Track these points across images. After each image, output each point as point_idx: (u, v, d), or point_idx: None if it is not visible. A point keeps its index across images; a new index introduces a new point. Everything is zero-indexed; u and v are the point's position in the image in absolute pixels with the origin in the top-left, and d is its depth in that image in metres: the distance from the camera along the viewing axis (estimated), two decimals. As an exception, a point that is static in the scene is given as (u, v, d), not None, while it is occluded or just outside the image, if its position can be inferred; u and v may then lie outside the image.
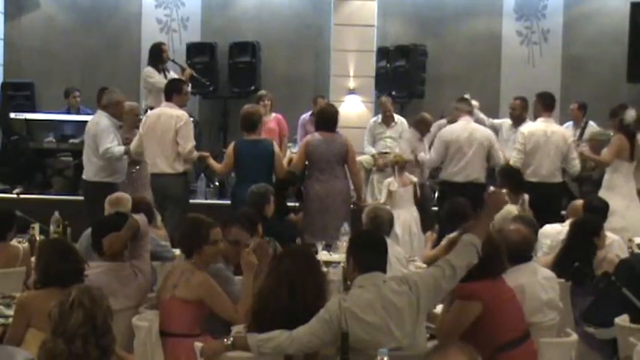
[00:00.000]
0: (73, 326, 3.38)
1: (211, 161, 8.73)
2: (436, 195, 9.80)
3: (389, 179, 9.16)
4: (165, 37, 13.33)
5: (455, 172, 8.70)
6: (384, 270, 4.29)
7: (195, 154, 8.44)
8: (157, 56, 10.47)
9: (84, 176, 8.65)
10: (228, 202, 9.08)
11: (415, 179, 9.15)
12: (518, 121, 9.65)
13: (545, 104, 8.85)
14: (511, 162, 8.65)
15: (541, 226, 6.45)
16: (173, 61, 10.64)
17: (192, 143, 8.26)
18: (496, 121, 10.22)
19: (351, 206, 8.27)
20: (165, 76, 10.39)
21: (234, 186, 8.40)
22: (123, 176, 8.74)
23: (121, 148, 8.48)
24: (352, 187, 8.36)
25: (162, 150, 8.21)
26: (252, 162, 8.00)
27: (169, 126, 8.19)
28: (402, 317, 4.10)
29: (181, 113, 8.32)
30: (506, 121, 10.06)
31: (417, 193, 9.08)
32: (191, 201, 9.90)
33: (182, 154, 8.22)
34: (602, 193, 8.34)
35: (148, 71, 10.34)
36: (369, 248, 4.32)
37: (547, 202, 8.32)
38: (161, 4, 13.43)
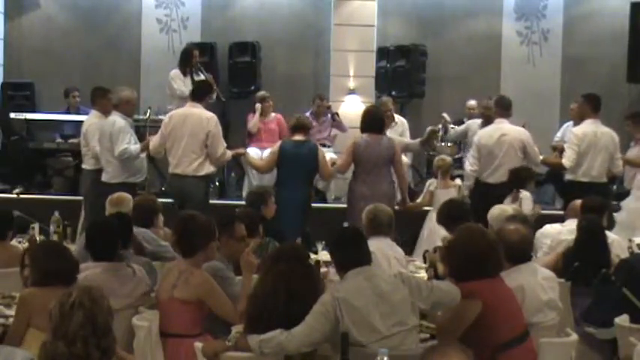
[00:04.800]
0: (73, 328, 3.37)
1: (251, 157, 8.71)
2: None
3: (431, 180, 9.23)
4: (165, 37, 13.33)
5: (488, 174, 8.71)
6: (369, 262, 4.40)
7: (229, 154, 8.42)
8: (186, 60, 10.42)
9: (104, 179, 8.49)
10: (228, 202, 9.06)
11: (459, 183, 9.10)
12: (490, 120, 9.64)
13: (593, 106, 8.90)
14: (564, 161, 8.72)
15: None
16: (199, 68, 10.61)
17: (223, 147, 8.20)
18: (460, 127, 10.34)
19: (396, 207, 8.28)
20: (193, 79, 10.35)
21: (275, 186, 8.27)
22: (144, 175, 8.72)
23: (137, 147, 8.44)
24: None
25: (189, 151, 8.13)
26: (295, 162, 8.03)
27: (199, 128, 8.10)
28: (392, 309, 4.15)
29: (211, 115, 8.24)
30: (475, 121, 10.13)
31: (462, 198, 9.01)
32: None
33: (213, 158, 8.17)
34: (635, 193, 8.47)
35: (173, 74, 10.29)
36: (349, 245, 4.42)
37: None
38: (161, 4, 13.42)
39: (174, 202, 8.32)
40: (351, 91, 12.42)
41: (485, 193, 8.36)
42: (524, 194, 8.01)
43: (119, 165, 8.41)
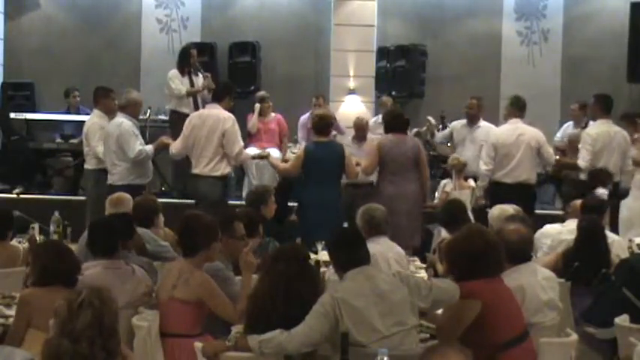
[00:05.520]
0: (80, 327, 3.36)
1: (274, 160, 8.70)
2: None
3: (445, 180, 9.16)
4: (166, 37, 13.34)
5: (504, 174, 8.67)
6: (368, 262, 4.39)
7: (247, 154, 8.40)
8: (184, 59, 10.44)
9: (109, 182, 8.44)
10: (228, 202, 9.02)
11: (473, 184, 9.04)
12: (474, 120, 9.80)
13: (604, 107, 8.96)
14: (579, 162, 8.73)
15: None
16: (198, 68, 10.62)
17: (239, 145, 8.19)
18: (446, 130, 10.29)
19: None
20: (191, 80, 10.37)
21: (301, 188, 8.22)
22: (150, 177, 8.71)
23: (151, 147, 8.47)
24: None
25: (206, 152, 8.13)
26: (322, 164, 7.93)
27: (216, 127, 8.10)
28: (392, 309, 4.15)
29: (228, 115, 8.24)
30: (459, 122, 10.12)
31: (475, 199, 8.95)
32: (190, 201, 9.88)
33: (230, 157, 8.17)
34: (634, 193, 8.53)
35: (172, 74, 10.31)
36: (348, 245, 4.42)
37: (611, 200, 8.51)
38: (161, 4, 13.43)
39: (196, 203, 8.31)
40: (351, 91, 12.43)
41: (502, 194, 8.28)
42: (600, 191, 8.05)
43: (128, 167, 8.37)
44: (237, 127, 8.25)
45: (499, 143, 8.74)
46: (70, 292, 3.55)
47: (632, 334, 4.71)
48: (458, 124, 10.12)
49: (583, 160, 8.77)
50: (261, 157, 8.87)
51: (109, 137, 8.47)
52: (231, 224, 5.36)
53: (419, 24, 13.24)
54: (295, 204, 8.66)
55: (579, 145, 9.03)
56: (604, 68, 12.76)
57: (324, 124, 8.16)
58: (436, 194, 9.32)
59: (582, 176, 8.91)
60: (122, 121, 8.41)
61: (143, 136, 9.00)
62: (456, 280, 4.44)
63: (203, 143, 8.14)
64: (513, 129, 8.79)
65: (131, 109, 8.51)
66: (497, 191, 8.59)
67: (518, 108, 8.93)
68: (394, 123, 8.32)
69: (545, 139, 8.91)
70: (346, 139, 10.56)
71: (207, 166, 8.15)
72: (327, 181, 7.81)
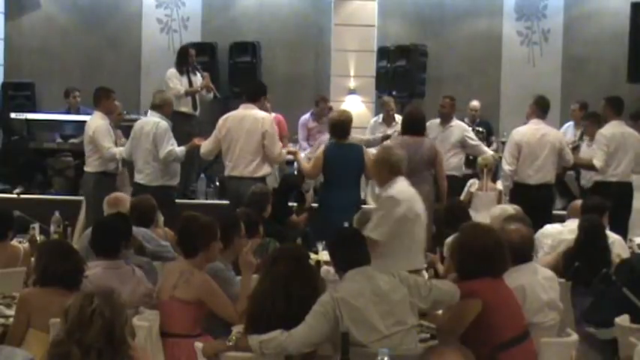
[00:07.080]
0: (90, 336, 3.31)
1: (300, 159, 8.65)
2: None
3: (472, 180, 9.07)
4: (166, 37, 13.34)
5: (529, 175, 8.57)
6: (368, 262, 4.39)
7: (284, 154, 8.39)
8: (183, 59, 10.42)
9: (142, 182, 8.41)
10: (228, 202, 9.04)
11: (500, 187, 8.87)
12: (447, 119, 9.83)
13: (615, 108, 8.94)
14: (595, 162, 8.70)
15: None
16: (196, 67, 10.60)
17: (279, 146, 8.16)
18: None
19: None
20: (190, 79, 10.36)
21: (321, 191, 8.17)
22: (178, 178, 8.70)
23: (183, 149, 8.43)
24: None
25: (246, 153, 8.05)
26: (342, 166, 7.83)
27: (255, 128, 8.03)
28: (391, 309, 4.16)
29: (266, 115, 8.24)
30: (433, 121, 10.07)
31: (500, 201, 8.71)
32: (190, 201, 9.89)
33: (270, 158, 8.11)
34: None
35: (170, 73, 10.30)
36: (348, 246, 4.43)
37: (623, 200, 8.62)
38: (161, 4, 13.43)
39: (230, 204, 8.28)
40: (352, 91, 12.43)
41: (524, 196, 8.21)
42: None
43: (159, 168, 8.37)
44: (275, 127, 8.23)
45: (523, 142, 8.62)
46: (75, 294, 3.51)
47: (632, 334, 4.72)
48: (432, 123, 10.02)
49: (598, 160, 8.72)
50: (290, 152, 8.84)
51: (142, 136, 8.44)
52: (240, 223, 5.38)
53: (419, 24, 13.24)
54: (295, 204, 8.67)
55: (594, 146, 8.99)
56: (604, 68, 12.76)
57: (343, 129, 7.98)
58: (462, 195, 9.15)
59: (597, 177, 8.84)
60: (159, 121, 8.42)
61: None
62: (460, 278, 4.45)
63: (242, 144, 8.05)
64: (536, 129, 8.68)
65: (166, 109, 8.55)
66: (519, 193, 8.51)
67: (541, 108, 8.83)
68: (411, 125, 8.21)
69: (565, 140, 8.93)
70: (325, 136, 10.48)
71: (248, 167, 8.06)
72: (347, 183, 7.73)
